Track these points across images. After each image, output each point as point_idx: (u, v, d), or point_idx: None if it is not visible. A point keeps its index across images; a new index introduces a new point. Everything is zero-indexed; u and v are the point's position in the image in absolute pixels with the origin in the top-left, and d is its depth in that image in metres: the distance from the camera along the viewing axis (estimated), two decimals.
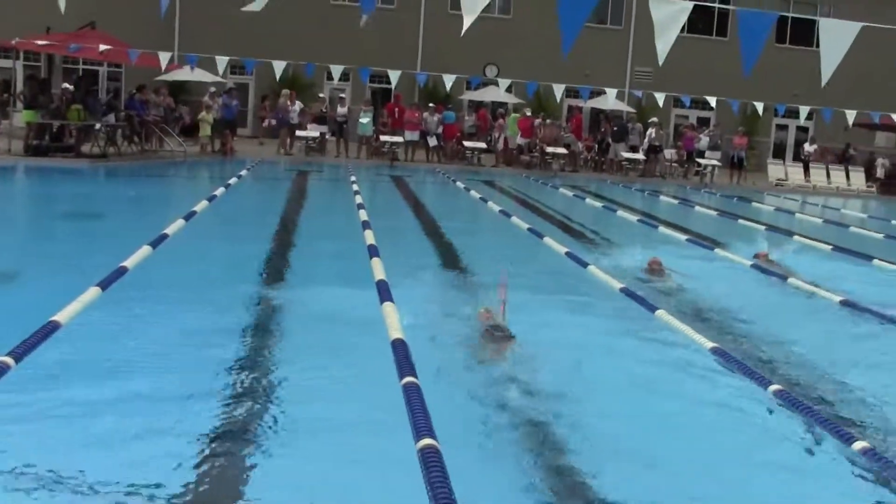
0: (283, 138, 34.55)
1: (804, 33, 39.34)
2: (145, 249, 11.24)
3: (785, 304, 11.95)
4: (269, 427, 6.04)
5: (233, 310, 9.13)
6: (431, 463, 4.97)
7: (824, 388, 7.96)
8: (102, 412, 6.11)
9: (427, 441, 5.23)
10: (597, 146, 37.80)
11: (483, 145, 36.31)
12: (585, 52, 40.35)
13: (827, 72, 12.35)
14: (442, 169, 32.94)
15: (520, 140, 36.45)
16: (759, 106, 28.01)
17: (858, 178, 38.65)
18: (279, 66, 28.72)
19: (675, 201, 27.12)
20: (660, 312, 9.66)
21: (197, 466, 5.33)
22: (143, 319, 8.56)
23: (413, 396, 6.04)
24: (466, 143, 36.01)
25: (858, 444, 6.08)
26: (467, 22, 11.90)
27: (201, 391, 6.57)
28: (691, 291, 12.04)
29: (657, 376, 7.99)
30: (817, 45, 13.37)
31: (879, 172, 39.22)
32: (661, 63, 12.71)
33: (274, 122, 34.96)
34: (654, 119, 37.38)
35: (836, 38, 12.79)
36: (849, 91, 38.51)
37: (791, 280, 12.75)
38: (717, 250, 15.83)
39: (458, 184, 26.48)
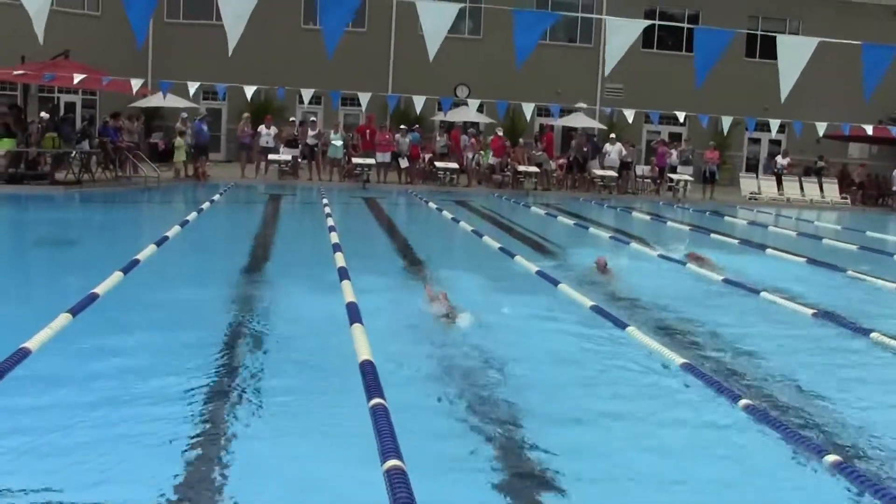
0: (243, 161, 34.75)
1: (773, 48, 39.53)
2: (117, 275, 11.28)
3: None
4: (237, 450, 6.05)
5: (204, 330, 9.21)
6: (397, 484, 5.05)
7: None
8: (73, 428, 6.21)
9: (393, 462, 5.30)
10: (567, 163, 37.94)
11: (455, 165, 36.34)
12: (556, 70, 40.81)
13: (786, 87, 12.79)
14: (414, 190, 33.04)
15: (491, 159, 36.57)
16: (727, 121, 28.15)
17: (832, 189, 38.98)
18: (250, 91, 28.82)
19: (648, 217, 27.31)
20: (630, 329, 9.82)
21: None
22: (112, 344, 8.49)
23: (381, 418, 6.10)
24: (438, 164, 36.09)
25: (830, 458, 6.08)
26: (431, 50, 12.18)
27: (170, 413, 6.60)
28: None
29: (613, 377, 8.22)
30: None
31: None
32: (606, 73, 13.22)
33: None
34: (612, 135, 37.60)
35: (794, 53, 13.36)
36: (819, 103, 38.89)
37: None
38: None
39: (431, 204, 26.56)
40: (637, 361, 8.82)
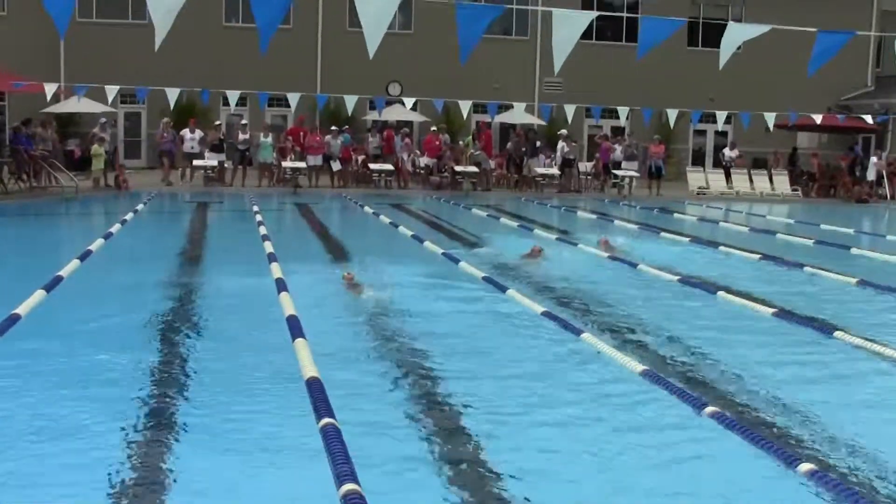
0: (166, 168, 33.31)
1: (717, 35, 38.86)
2: (39, 294, 10.65)
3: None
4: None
5: (133, 348, 8.79)
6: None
7: None
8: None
9: (350, 486, 5.09)
10: (506, 162, 37.28)
11: (390, 167, 35.24)
12: (492, 64, 39.80)
13: (722, 60, 14.95)
14: (348, 193, 31.90)
15: (426, 160, 35.62)
16: (672, 114, 27.51)
17: (782, 182, 38.30)
18: (172, 94, 27.69)
19: (593, 216, 26.67)
20: (585, 335, 9.66)
21: None
22: (36, 366, 8.06)
23: (332, 438, 5.88)
24: (372, 166, 35.03)
25: (804, 467, 5.84)
26: (371, 45, 12.01)
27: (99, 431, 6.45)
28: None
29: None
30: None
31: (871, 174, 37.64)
32: (556, 69, 13.81)
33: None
34: (564, 131, 36.66)
35: (737, 37, 15.76)
36: (767, 93, 38.43)
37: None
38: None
39: (367, 209, 25.53)
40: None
